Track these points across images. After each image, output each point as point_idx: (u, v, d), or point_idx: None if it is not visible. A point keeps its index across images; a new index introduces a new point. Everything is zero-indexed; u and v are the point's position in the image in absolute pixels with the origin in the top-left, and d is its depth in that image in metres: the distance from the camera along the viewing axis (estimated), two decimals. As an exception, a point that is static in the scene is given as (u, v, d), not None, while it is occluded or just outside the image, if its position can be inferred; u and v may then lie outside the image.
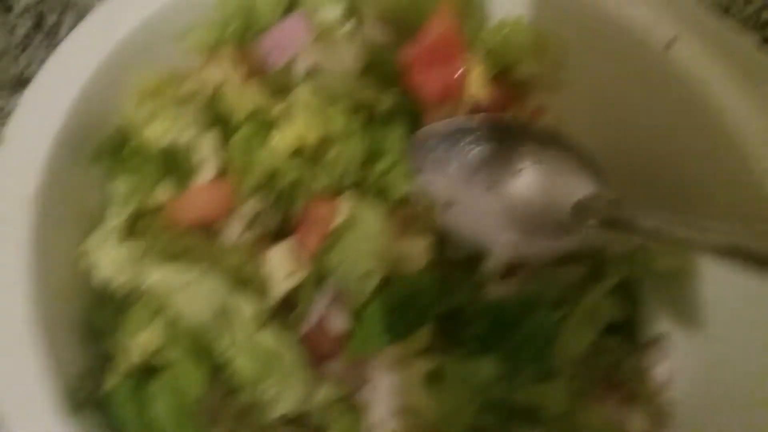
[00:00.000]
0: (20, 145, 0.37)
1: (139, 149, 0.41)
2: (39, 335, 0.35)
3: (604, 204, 0.43)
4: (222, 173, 0.42)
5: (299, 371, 0.40)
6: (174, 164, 0.41)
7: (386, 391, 0.43)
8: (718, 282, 0.45)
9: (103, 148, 0.40)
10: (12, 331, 0.34)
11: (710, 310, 0.47)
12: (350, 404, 0.43)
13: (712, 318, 0.46)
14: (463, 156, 0.47)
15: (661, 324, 0.49)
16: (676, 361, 0.48)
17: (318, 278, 0.42)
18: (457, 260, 0.46)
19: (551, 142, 0.46)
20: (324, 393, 0.42)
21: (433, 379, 0.41)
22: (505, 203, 0.46)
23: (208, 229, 0.43)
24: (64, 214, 0.39)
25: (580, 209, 0.44)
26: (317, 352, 0.43)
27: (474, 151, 0.47)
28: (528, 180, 0.46)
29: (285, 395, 0.40)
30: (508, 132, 0.47)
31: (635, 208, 0.42)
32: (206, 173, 0.41)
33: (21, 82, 0.57)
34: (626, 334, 0.48)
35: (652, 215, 0.40)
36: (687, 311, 0.48)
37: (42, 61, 0.57)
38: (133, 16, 0.42)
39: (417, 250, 0.42)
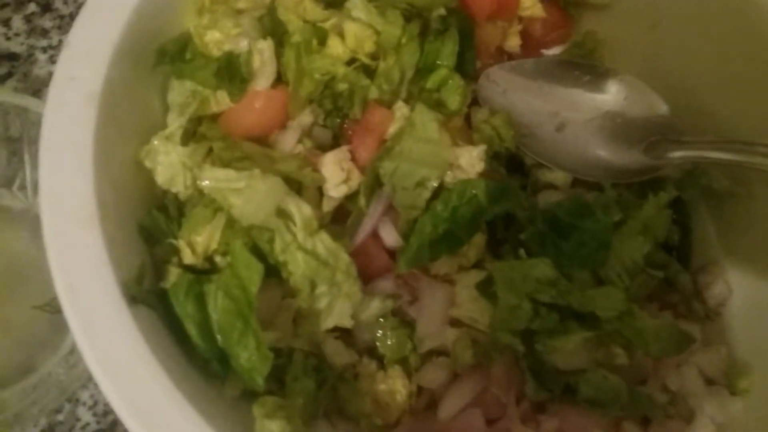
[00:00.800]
0: (84, 46, 0.38)
1: (198, 55, 0.41)
2: (101, 228, 0.35)
3: (672, 132, 0.45)
4: (278, 82, 0.43)
5: (350, 281, 0.40)
6: (231, 72, 0.41)
7: (436, 304, 0.43)
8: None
9: (164, 51, 0.41)
10: (76, 223, 0.35)
11: (764, 232, 0.46)
12: (400, 320, 0.43)
13: (764, 242, 0.45)
14: (534, 92, 0.48)
15: (714, 251, 0.49)
16: (729, 283, 0.47)
17: (372, 187, 0.42)
18: (511, 174, 0.46)
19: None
20: (374, 307, 0.42)
21: (484, 287, 0.41)
22: (574, 137, 0.48)
23: (265, 139, 0.43)
24: (126, 116, 0.39)
25: (653, 139, 0.45)
26: (369, 266, 0.43)
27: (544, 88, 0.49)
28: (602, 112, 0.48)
29: (337, 306, 0.40)
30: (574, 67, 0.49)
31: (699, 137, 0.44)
32: (263, 80, 0.42)
33: None
34: (680, 256, 0.48)
35: (714, 143, 0.43)
36: (739, 235, 0.48)
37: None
38: None
39: (471, 159, 0.42)
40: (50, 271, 0.46)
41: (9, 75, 0.55)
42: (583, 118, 0.49)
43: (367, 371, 0.42)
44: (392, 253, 0.43)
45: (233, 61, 0.41)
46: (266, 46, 0.42)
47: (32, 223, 0.49)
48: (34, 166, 0.48)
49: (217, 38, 0.42)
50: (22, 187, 0.49)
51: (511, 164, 0.47)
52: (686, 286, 0.46)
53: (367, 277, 0.43)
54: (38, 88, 0.55)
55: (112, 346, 0.33)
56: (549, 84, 0.50)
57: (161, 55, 0.41)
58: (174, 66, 0.41)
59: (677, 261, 0.48)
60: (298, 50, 0.42)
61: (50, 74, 0.55)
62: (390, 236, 0.43)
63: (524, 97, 0.49)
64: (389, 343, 0.43)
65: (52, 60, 0.56)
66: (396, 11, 0.43)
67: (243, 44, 0.42)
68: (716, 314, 0.47)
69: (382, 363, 0.43)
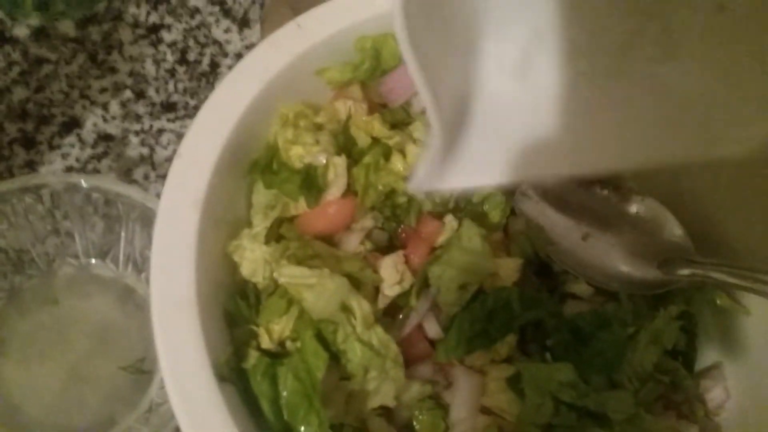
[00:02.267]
0: (192, 158, 0.46)
1: (283, 167, 0.49)
2: (199, 314, 0.42)
3: (687, 253, 0.50)
4: (347, 192, 0.50)
5: (397, 368, 0.46)
6: (310, 183, 0.48)
7: (469, 392, 0.49)
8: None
9: (257, 164, 0.48)
10: (179, 308, 0.42)
11: (759, 343, 0.52)
12: (436, 402, 0.49)
13: (760, 351, 0.52)
14: (562, 206, 0.54)
15: (716, 354, 0.55)
16: (728, 388, 0.53)
17: (421, 287, 0.49)
18: (541, 280, 0.53)
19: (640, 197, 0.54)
20: (414, 390, 0.48)
21: (513, 382, 0.48)
22: (596, 249, 0.53)
23: (331, 238, 0.50)
24: (220, 215, 0.46)
25: (668, 257, 0.51)
26: (412, 354, 0.49)
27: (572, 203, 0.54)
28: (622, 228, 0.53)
29: (383, 388, 0.47)
30: (601, 186, 0.55)
31: (708, 260, 0.49)
32: (336, 191, 0.49)
33: (168, 106, 0.66)
34: (685, 361, 0.54)
35: (719, 266, 0.48)
36: (738, 344, 0.54)
37: (185, 89, 0.67)
38: (283, 56, 0.50)
39: (509, 270, 0.49)
40: (133, 336, 0.53)
41: (105, 154, 0.63)
42: (604, 232, 0.55)
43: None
44: (432, 343, 0.50)
45: (312, 173, 0.49)
46: (340, 162, 0.49)
47: (119, 291, 0.56)
48: (128, 242, 0.56)
49: (300, 153, 0.49)
50: (115, 259, 0.56)
51: (541, 269, 0.54)
52: (690, 389, 0.52)
53: (409, 362, 0.48)
54: (130, 168, 0.63)
55: (203, 415, 0.39)
56: (576, 199, 0.56)
57: (254, 166, 0.48)
58: (264, 176, 0.48)
59: (683, 363, 0.54)
60: (367, 168, 0.49)
61: (140, 155, 0.63)
62: (432, 329, 0.49)
63: (553, 210, 0.56)
64: (424, 421, 0.49)
65: (143, 143, 0.64)
66: (451, 138, 0.50)
67: (321, 159, 0.49)
68: (714, 415, 0.53)
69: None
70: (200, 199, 0.44)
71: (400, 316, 0.49)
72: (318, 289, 0.45)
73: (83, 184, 0.52)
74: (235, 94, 0.48)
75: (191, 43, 0.69)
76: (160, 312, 0.42)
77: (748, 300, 0.53)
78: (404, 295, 0.49)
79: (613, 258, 0.54)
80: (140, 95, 0.66)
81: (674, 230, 0.54)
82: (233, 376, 0.43)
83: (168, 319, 0.42)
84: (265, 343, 0.45)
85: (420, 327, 0.50)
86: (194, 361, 0.41)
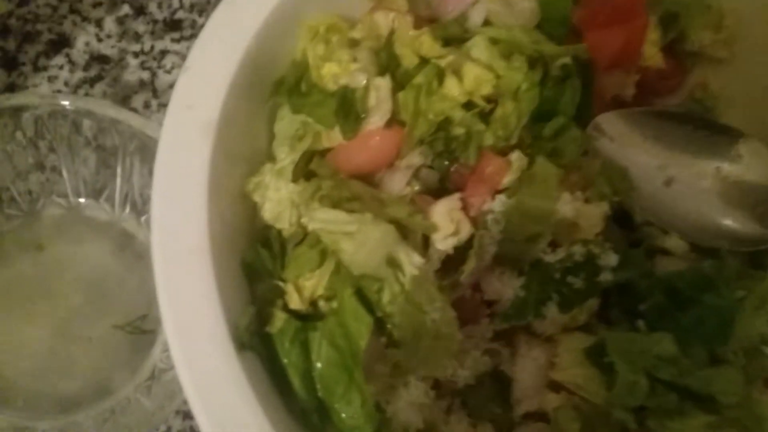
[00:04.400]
0: (203, 72, 0.37)
1: (314, 88, 0.40)
2: (212, 263, 0.34)
3: None
4: (391, 121, 0.41)
5: (451, 336, 0.39)
6: (347, 108, 0.40)
7: (536, 364, 0.42)
8: None
9: (282, 83, 0.39)
10: (188, 255, 0.34)
11: None
12: (497, 375, 0.42)
13: None
14: (644, 144, 0.46)
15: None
16: None
17: (480, 239, 0.40)
18: (623, 234, 0.44)
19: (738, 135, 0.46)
20: (471, 361, 0.41)
21: (593, 355, 0.39)
22: (685, 196, 0.45)
23: (371, 178, 0.42)
24: (237, 146, 0.39)
25: None
26: (467, 317, 0.42)
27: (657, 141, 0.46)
28: (719, 172, 0.46)
29: (435, 358, 0.39)
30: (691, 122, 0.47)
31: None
32: (378, 119, 0.40)
33: (172, 24, 0.58)
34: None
35: None
36: None
37: (192, 5, 0.58)
38: None
39: (591, 219, 0.40)
40: (132, 289, 0.45)
41: (99, 78, 0.55)
42: (693, 175, 0.47)
43: (456, 426, 0.41)
44: (492, 305, 0.42)
45: (349, 97, 0.40)
46: (384, 84, 0.41)
47: (116, 237, 0.49)
48: (125, 179, 0.47)
49: (335, 71, 0.40)
50: (110, 199, 0.48)
51: (620, 219, 0.45)
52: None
53: (465, 321, 0.41)
54: (128, 94, 0.54)
55: (217, 388, 0.33)
56: (659, 136, 0.48)
57: (278, 86, 0.39)
58: (291, 99, 0.40)
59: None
60: (418, 91, 0.40)
61: (140, 80, 0.55)
62: (493, 288, 0.42)
63: (632, 148, 0.47)
64: (482, 397, 0.42)
65: (143, 66, 0.56)
66: (522, 57, 0.41)
67: (360, 78, 0.40)
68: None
69: (471, 419, 0.41)
70: (213, 124, 0.37)
71: (461, 275, 0.40)
72: (359, 238, 0.37)
73: (71, 107, 0.43)
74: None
75: None
76: (164, 262, 0.35)
77: None
78: (460, 247, 0.40)
79: (703, 205, 0.46)
80: (140, 11, 0.59)
81: (777, 174, 0.45)
82: (255, 342, 0.35)
83: (174, 272, 0.35)
84: (294, 302, 0.37)
85: (478, 285, 0.42)
86: (207, 324, 0.34)
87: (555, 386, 0.41)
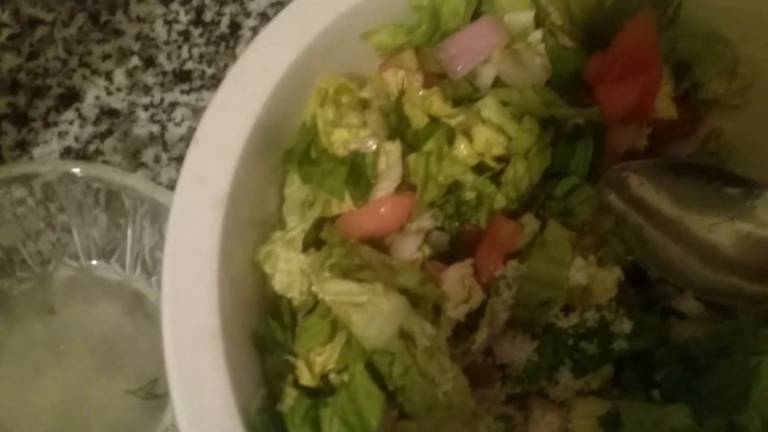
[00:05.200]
0: (214, 144, 0.37)
1: (323, 155, 0.40)
2: (224, 346, 0.34)
3: None
4: (401, 185, 0.41)
5: (465, 404, 0.39)
6: (357, 174, 0.40)
7: (550, 430, 0.41)
8: None
9: (294, 150, 0.39)
10: (200, 339, 0.34)
11: None
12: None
13: None
14: (661, 198, 0.45)
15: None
16: None
17: (494, 305, 0.40)
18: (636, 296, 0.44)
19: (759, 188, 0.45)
20: (485, 428, 0.40)
21: (607, 423, 0.39)
22: (707, 250, 0.44)
23: (381, 242, 0.41)
24: (248, 215, 0.39)
25: None
26: (480, 378, 0.41)
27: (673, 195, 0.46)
28: (739, 227, 0.45)
29: (448, 428, 0.39)
30: (709, 174, 0.46)
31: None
32: (388, 184, 0.40)
33: (182, 75, 0.58)
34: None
35: None
36: None
37: (201, 55, 0.58)
38: (322, 17, 0.41)
39: (605, 283, 0.40)
40: (144, 352, 0.45)
41: (109, 132, 0.55)
42: (708, 229, 0.46)
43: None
44: (503, 367, 0.42)
45: (359, 163, 0.40)
46: (394, 149, 0.40)
47: (127, 297, 0.49)
48: (135, 240, 0.47)
49: (344, 137, 0.40)
50: (120, 260, 0.48)
51: (632, 275, 0.45)
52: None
53: (477, 385, 0.41)
54: (138, 149, 0.55)
55: None
56: (671, 188, 0.47)
57: (288, 156, 0.39)
58: (301, 169, 0.39)
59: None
60: (428, 157, 0.40)
61: (150, 134, 0.55)
62: (506, 354, 0.41)
63: (646, 202, 0.47)
64: None
65: (153, 119, 0.56)
66: (533, 118, 0.41)
67: (370, 144, 0.40)
68: None
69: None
70: (224, 197, 0.36)
71: (474, 344, 0.40)
72: (370, 311, 0.37)
73: (81, 174, 0.44)
74: (264, 64, 0.40)
75: (208, 0, 0.60)
76: (174, 341, 0.35)
77: None
78: (475, 313, 0.40)
79: (719, 260, 0.45)
80: (149, 62, 0.59)
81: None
82: (267, 420, 0.35)
83: (184, 351, 0.34)
84: (305, 378, 0.37)
85: (490, 349, 0.41)
86: (218, 408, 0.33)
87: (569, 452, 0.41)
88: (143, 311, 0.49)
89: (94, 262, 0.49)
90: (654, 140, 0.50)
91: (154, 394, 0.45)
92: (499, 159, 0.42)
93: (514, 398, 0.42)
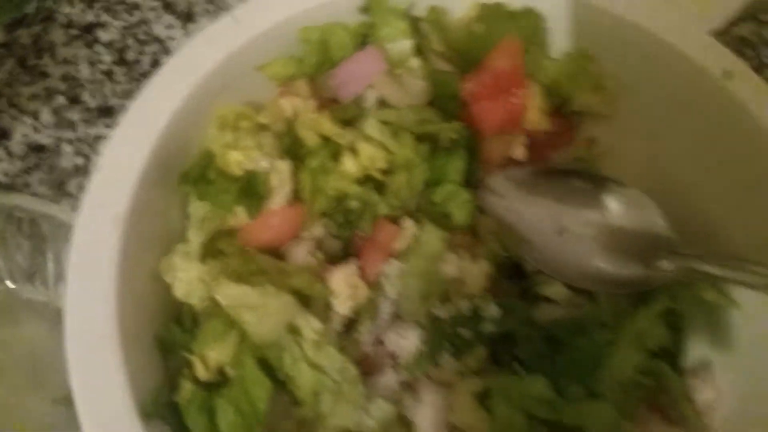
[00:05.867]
0: (113, 170, 0.41)
1: (220, 175, 0.44)
2: (120, 350, 0.37)
3: (670, 245, 0.47)
4: (293, 199, 0.45)
5: (355, 390, 0.43)
6: (250, 190, 0.44)
7: (435, 409, 0.45)
8: (758, 316, 0.47)
9: (189, 172, 0.43)
10: (97, 345, 0.37)
11: (750, 339, 0.48)
12: (401, 420, 0.45)
13: (751, 349, 0.48)
14: (534, 199, 0.50)
15: (704, 352, 0.50)
16: (718, 387, 0.49)
17: (379, 299, 0.44)
18: (514, 283, 0.48)
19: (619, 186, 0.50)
20: (376, 409, 0.44)
21: (483, 398, 0.43)
22: (573, 245, 0.49)
23: (277, 249, 0.46)
24: (148, 231, 0.42)
25: (652, 251, 0.47)
26: (372, 367, 0.45)
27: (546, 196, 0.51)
28: (603, 220, 0.50)
29: (339, 410, 0.43)
30: (576, 176, 0.51)
31: (694, 251, 0.46)
32: (280, 199, 0.44)
33: (105, 111, 0.61)
34: (671, 360, 0.50)
35: (706, 257, 0.45)
36: (728, 340, 0.50)
37: (124, 92, 0.62)
38: (217, 51, 0.45)
39: (475, 275, 0.44)
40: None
41: (36, 166, 0.58)
42: (580, 226, 0.51)
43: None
44: (394, 356, 0.46)
45: (253, 181, 0.44)
46: (284, 167, 0.45)
47: (52, 316, 0.51)
48: (56, 262, 0.51)
49: (239, 158, 0.44)
50: (44, 281, 0.52)
51: (514, 270, 0.49)
52: (676, 390, 0.48)
53: (368, 375, 0.45)
54: (63, 180, 0.58)
55: None
56: (548, 191, 0.52)
57: (184, 177, 0.43)
58: (197, 187, 0.43)
59: (669, 363, 0.49)
60: (314, 172, 0.45)
61: (75, 166, 0.59)
62: (394, 342, 0.45)
63: (523, 204, 0.51)
64: None
65: (78, 152, 0.59)
66: (408, 134, 0.46)
67: (263, 164, 0.44)
68: (704, 416, 0.49)
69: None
70: (121, 215, 0.40)
71: (359, 331, 0.44)
72: (261, 311, 0.41)
73: (6, 202, 0.47)
74: (163, 95, 0.44)
75: (130, 41, 0.65)
76: (76, 351, 0.38)
77: (738, 294, 0.48)
78: (362, 308, 0.44)
79: (592, 254, 0.50)
80: (74, 100, 0.62)
81: (657, 221, 0.49)
82: (165, 411, 0.38)
83: (84, 360, 0.37)
84: (201, 372, 0.40)
85: (379, 341, 0.46)
86: (115, 405, 0.37)
87: (453, 428, 0.45)
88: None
89: (17, 285, 0.52)
90: (534, 149, 0.55)
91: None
92: (384, 171, 0.47)
93: (405, 383, 0.46)
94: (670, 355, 0.50)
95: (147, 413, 0.36)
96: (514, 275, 0.49)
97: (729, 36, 0.73)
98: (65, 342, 0.37)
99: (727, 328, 0.50)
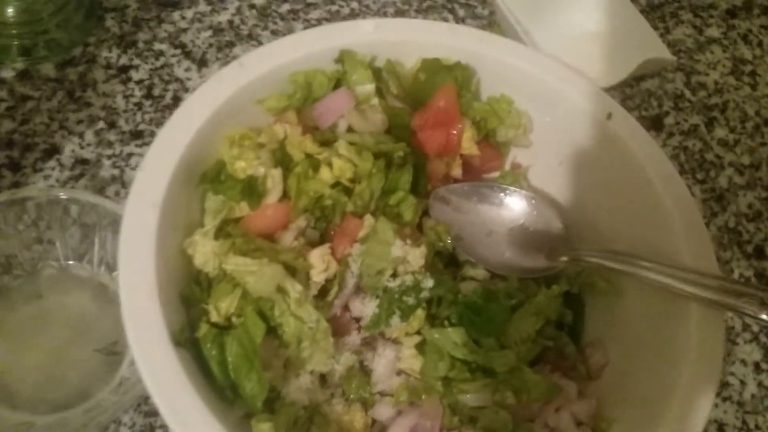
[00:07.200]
0: (152, 171, 0.56)
1: (229, 177, 0.59)
2: (159, 299, 0.51)
3: (566, 242, 0.63)
4: (283, 198, 0.61)
5: (326, 339, 0.56)
6: (252, 190, 0.59)
7: (388, 359, 0.60)
8: (639, 301, 0.62)
9: (206, 175, 0.59)
10: (144, 295, 0.52)
11: (632, 321, 0.63)
12: (362, 368, 0.59)
13: (633, 328, 0.63)
14: (469, 206, 0.66)
15: (600, 330, 0.66)
16: (607, 354, 0.64)
17: (345, 273, 0.60)
18: (448, 268, 0.64)
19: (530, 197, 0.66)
20: (344, 358, 0.59)
21: (421, 347, 0.58)
22: (496, 243, 0.65)
23: (271, 236, 0.61)
24: (177, 218, 0.56)
25: (552, 246, 0.63)
26: (342, 329, 0.60)
27: (479, 203, 0.66)
28: (517, 225, 0.66)
29: (316, 356, 0.57)
30: (500, 190, 0.67)
31: (585, 246, 0.62)
32: (273, 196, 0.60)
33: (136, 134, 0.76)
34: (572, 334, 0.65)
35: (596, 253, 0.60)
36: (616, 322, 0.65)
37: (151, 119, 0.78)
38: (227, 88, 0.60)
39: (416, 257, 0.60)
40: (106, 324, 0.63)
41: (81, 175, 0.73)
42: (503, 228, 0.67)
43: (335, 406, 0.59)
44: (358, 320, 0.60)
45: (253, 182, 0.59)
46: (276, 173, 0.60)
47: (94, 288, 0.64)
48: (101, 246, 0.65)
49: (243, 166, 0.60)
50: (90, 261, 0.66)
51: (449, 260, 0.65)
52: (572, 354, 0.63)
53: (339, 335, 0.59)
54: (103, 186, 0.72)
55: (163, 375, 0.46)
56: (480, 201, 0.67)
57: (203, 177, 0.59)
58: (212, 185, 0.59)
59: (571, 337, 0.65)
60: (299, 177, 0.60)
61: (112, 176, 0.73)
62: (357, 308, 0.60)
63: (462, 211, 0.67)
64: (353, 386, 0.57)
65: (114, 165, 0.74)
66: (368, 152, 0.61)
67: (261, 171, 0.60)
68: (597, 376, 0.64)
69: (347, 400, 0.57)
70: (159, 203, 0.55)
71: (330, 298, 0.59)
72: (258, 274, 0.55)
73: (63, 196, 0.62)
74: (188, 120, 0.58)
75: (156, 80, 0.79)
76: (128, 299, 0.49)
77: (625, 284, 0.64)
78: (332, 280, 0.59)
79: (509, 249, 0.65)
80: (112, 125, 0.75)
81: (556, 224, 0.66)
82: (188, 344, 0.52)
83: (134, 304, 0.50)
84: (214, 317, 0.54)
85: (347, 307, 0.60)
86: (155, 333, 0.49)
87: (400, 372, 0.59)
88: (106, 297, 0.63)
89: (71, 263, 0.64)
90: (471, 170, 0.71)
91: (114, 351, 0.61)
92: (351, 180, 0.63)
93: (365, 340, 0.61)
94: (572, 330, 0.66)
95: (177, 342, 0.51)
96: (450, 263, 0.65)
97: (638, 88, 0.90)
98: (120, 293, 0.50)
99: (616, 311, 0.65)
